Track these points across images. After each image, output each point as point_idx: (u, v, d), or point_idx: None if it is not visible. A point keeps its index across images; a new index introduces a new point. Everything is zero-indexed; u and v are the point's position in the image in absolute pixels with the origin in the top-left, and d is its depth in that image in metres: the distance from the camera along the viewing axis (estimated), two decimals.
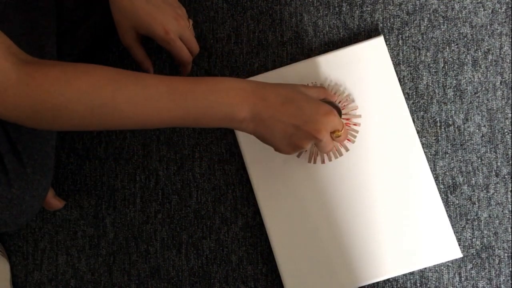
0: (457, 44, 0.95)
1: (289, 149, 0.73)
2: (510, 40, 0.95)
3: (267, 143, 0.73)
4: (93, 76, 0.62)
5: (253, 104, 0.68)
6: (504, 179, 0.92)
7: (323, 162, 0.90)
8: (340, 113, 0.85)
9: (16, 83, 0.59)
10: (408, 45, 0.96)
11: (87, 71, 0.63)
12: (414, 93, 0.95)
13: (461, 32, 0.95)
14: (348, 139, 0.89)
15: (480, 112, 0.94)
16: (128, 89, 0.63)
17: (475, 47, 0.95)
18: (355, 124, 0.90)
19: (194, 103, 0.66)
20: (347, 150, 0.88)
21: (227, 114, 0.68)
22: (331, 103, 0.85)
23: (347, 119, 0.89)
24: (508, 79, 0.94)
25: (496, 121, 0.93)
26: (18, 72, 0.59)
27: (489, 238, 0.91)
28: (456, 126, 0.94)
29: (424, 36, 0.96)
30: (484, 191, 0.92)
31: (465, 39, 0.95)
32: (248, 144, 0.92)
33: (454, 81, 0.95)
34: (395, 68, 0.94)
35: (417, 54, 0.95)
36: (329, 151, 0.78)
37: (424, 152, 0.91)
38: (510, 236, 0.91)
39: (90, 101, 0.61)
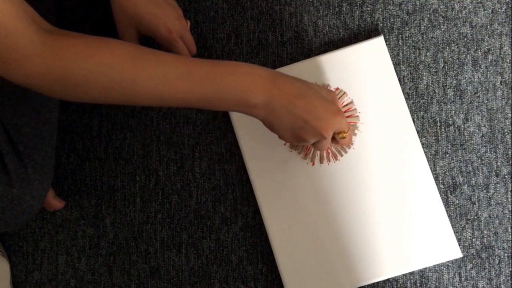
0: (457, 44, 0.95)
1: (293, 140, 0.74)
2: (510, 40, 0.95)
3: (273, 130, 0.73)
4: (115, 50, 0.63)
5: (268, 92, 0.68)
6: (504, 179, 0.92)
7: (321, 162, 0.90)
8: None
9: (40, 52, 0.59)
10: (408, 45, 0.96)
11: (110, 45, 0.63)
12: (414, 93, 0.95)
13: (461, 32, 0.95)
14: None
15: (480, 112, 0.94)
16: (149, 65, 0.64)
17: (475, 47, 0.95)
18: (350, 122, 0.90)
19: (211, 85, 0.66)
20: (347, 150, 0.88)
21: (241, 98, 0.68)
22: None
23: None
24: (508, 79, 0.94)
25: (496, 121, 0.93)
26: (42, 42, 0.59)
27: (489, 238, 0.92)
28: (456, 126, 0.94)
29: (424, 36, 0.96)
30: (484, 191, 0.92)
31: (465, 39, 0.95)
32: (248, 144, 0.92)
33: (454, 81, 0.95)
34: (395, 68, 0.94)
35: (417, 54, 0.95)
36: (323, 150, 0.79)
37: (424, 152, 0.91)
38: (510, 236, 0.91)
39: (110, 75, 0.62)
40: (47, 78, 0.60)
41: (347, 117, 0.90)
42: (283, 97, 0.69)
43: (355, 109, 0.91)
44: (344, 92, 0.91)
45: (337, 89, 0.91)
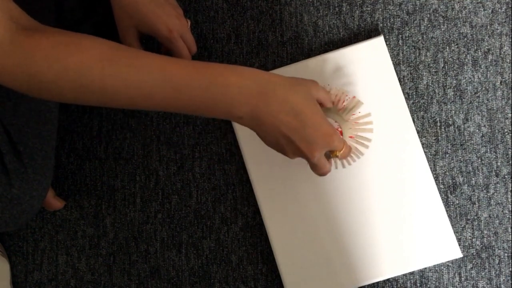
0: (457, 44, 0.95)
1: (277, 152, 0.71)
2: (510, 40, 0.95)
3: (260, 138, 0.70)
4: (84, 53, 0.59)
5: (254, 106, 0.64)
6: (504, 179, 0.92)
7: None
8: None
9: (8, 51, 0.57)
10: (408, 45, 0.96)
11: (81, 47, 0.60)
12: (414, 93, 0.95)
13: (461, 32, 0.95)
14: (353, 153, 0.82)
15: (480, 112, 0.94)
16: (121, 71, 0.60)
17: (475, 47, 0.95)
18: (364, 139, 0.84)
19: (189, 95, 0.62)
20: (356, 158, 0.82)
21: (223, 111, 0.64)
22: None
23: (354, 132, 0.83)
24: (508, 79, 0.94)
25: (496, 121, 0.93)
26: (11, 40, 0.57)
27: (489, 238, 0.92)
28: (456, 126, 0.94)
29: (424, 36, 0.96)
30: (484, 191, 0.92)
31: (465, 39, 0.95)
32: (248, 144, 0.92)
33: (454, 81, 0.95)
34: (395, 68, 0.94)
35: (417, 54, 0.95)
36: (321, 175, 0.74)
37: (424, 152, 0.91)
38: (510, 236, 0.91)
39: (79, 79, 0.59)
40: (16, 77, 0.59)
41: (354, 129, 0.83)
42: (270, 114, 0.64)
43: (371, 121, 0.81)
44: (359, 101, 0.81)
45: (354, 97, 0.82)
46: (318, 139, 0.67)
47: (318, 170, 0.73)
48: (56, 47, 0.59)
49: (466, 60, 0.95)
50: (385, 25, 0.96)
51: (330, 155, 0.75)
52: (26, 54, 0.58)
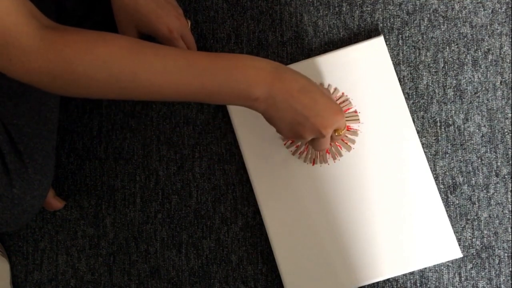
0: (457, 44, 0.95)
1: (290, 136, 0.74)
2: (510, 40, 0.95)
3: (272, 124, 0.73)
4: (114, 45, 0.63)
5: (270, 85, 0.68)
6: (504, 179, 0.92)
7: (320, 162, 0.90)
8: None
9: (40, 48, 0.59)
10: (408, 45, 0.96)
11: (108, 40, 0.63)
12: (414, 93, 0.95)
13: (461, 32, 0.95)
14: (346, 142, 0.90)
15: (480, 112, 0.94)
16: (147, 59, 0.64)
17: (475, 47, 0.95)
18: (350, 129, 0.91)
19: (211, 78, 0.66)
20: (346, 150, 0.88)
21: (242, 91, 0.67)
22: None
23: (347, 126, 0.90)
24: (508, 79, 0.94)
25: (496, 121, 0.93)
26: (41, 37, 0.59)
27: (489, 238, 0.92)
28: (456, 126, 0.94)
29: (424, 36, 0.96)
30: (484, 191, 0.92)
31: (465, 39, 0.95)
32: (248, 144, 0.92)
33: (454, 81, 0.95)
34: (395, 68, 0.94)
35: (417, 54, 0.95)
36: (322, 150, 0.80)
37: (424, 152, 0.91)
38: (510, 236, 0.91)
39: (109, 69, 0.62)
40: (47, 74, 0.60)
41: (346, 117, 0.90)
42: (285, 91, 0.68)
43: (349, 101, 0.92)
44: (359, 119, 0.92)
45: (356, 112, 0.92)
46: (330, 116, 0.72)
47: (322, 146, 0.77)
48: (85, 40, 0.62)
49: (466, 60, 0.95)
50: (385, 25, 0.96)
51: (334, 134, 0.78)
52: (57, 49, 0.60)
